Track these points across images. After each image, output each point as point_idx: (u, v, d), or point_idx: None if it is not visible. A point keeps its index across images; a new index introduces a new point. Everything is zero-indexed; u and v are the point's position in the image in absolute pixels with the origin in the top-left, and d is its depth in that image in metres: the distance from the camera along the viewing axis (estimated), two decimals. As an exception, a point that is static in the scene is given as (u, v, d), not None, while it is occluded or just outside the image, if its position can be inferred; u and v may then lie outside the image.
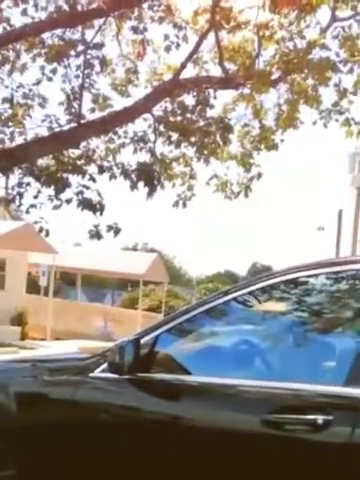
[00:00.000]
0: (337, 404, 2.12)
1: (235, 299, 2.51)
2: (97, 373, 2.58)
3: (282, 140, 8.12)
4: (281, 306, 2.54)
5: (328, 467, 2.07)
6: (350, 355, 2.20)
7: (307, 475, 2.10)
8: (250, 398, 2.28)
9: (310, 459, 2.09)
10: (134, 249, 33.20)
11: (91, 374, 2.59)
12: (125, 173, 7.68)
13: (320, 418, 2.07)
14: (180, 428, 2.37)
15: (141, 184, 7.63)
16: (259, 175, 8.27)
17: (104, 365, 2.56)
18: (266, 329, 2.58)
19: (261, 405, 2.22)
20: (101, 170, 7.67)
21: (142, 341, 2.49)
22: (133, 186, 7.67)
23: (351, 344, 2.25)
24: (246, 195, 8.34)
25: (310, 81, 7.43)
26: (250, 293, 2.50)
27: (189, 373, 2.48)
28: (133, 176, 7.66)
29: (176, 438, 2.35)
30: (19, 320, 17.06)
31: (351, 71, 7.24)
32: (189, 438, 2.32)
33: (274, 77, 7.51)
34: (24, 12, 6.63)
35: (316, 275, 2.44)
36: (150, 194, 7.70)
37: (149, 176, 7.61)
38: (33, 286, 19.52)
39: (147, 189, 7.64)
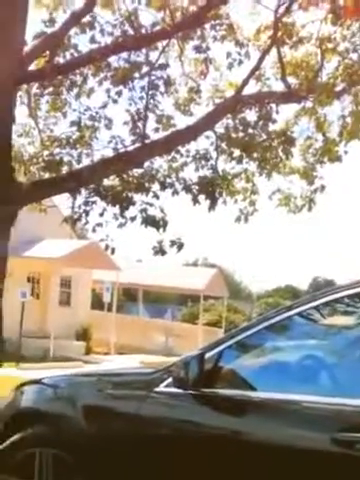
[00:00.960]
0: None
1: (299, 314, 2.49)
2: (162, 388, 2.59)
3: (346, 152, 8.01)
4: (346, 320, 2.51)
5: None
6: None
7: None
8: (318, 415, 2.22)
9: None
10: (194, 264, 33.27)
11: (156, 389, 2.60)
12: (187, 188, 7.76)
13: None
14: (245, 444, 2.34)
15: (202, 197, 7.70)
16: (322, 187, 8.18)
17: (169, 380, 2.57)
18: (331, 344, 2.53)
19: (330, 423, 2.15)
20: (163, 186, 7.79)
21: (206, 356, 2.49)
22: (195, 199, 7.75)
23: None
24: (310, 208, 8.25)
25: (375, 91, 7.31)
26: (314, 308, 2.48)
27: (254, 389, 2.46)
28: (194, 190, 7.74)
29: (241, 454, 2.33)
30: (84, 335, 17.40)
31: None
32: (254, 455, 2.30)
33: (338, 89, 7.43)
34: (92, 39, 6.86)
35: None
36: (212, 207, 7.75)
37: (210, 189, 7.66)
38: (97, 302, 19.89)
39: (209, 202, 7.70)
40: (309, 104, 7.83)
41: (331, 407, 2.19)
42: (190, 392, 2.47)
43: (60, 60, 6.98)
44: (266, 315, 2.66)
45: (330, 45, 7.23)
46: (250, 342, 2.55)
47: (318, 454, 2.15)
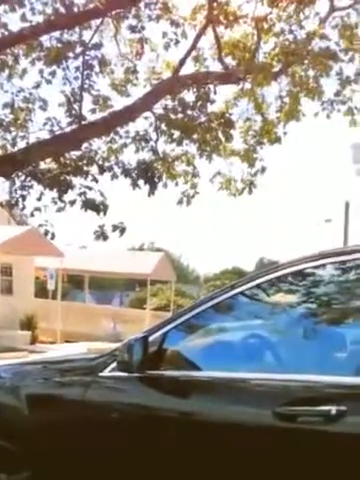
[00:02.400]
0: (350, 394, 2.10)
1: (242, 293, 2.51)
2: (107, 372, 2.58)
3: (285, 133, 8.07)
4: (288, 298, 2.52)
5: (342, 458, 2.05)
6: None
7: (321, 467, 2.09)
8: (261, 391, 2.26)
9: (324, 450, 2.08)
10: (140, 249, 33.20)
11: (101, 373, 2.59)
12: (126, 172, 7.66)
13: (333, 409, 2.05)
14: (191, 424, 2.36)
15: (142, 182, 7.62)
16: (263, 169, 8.23)
17: (113, 364, 2.56)
18: (274, 322, 2.56)
19: (273, 398, 2.21)
20: (102, 170, 7.67)
21: (150, 339, 2.49)
22: (134, 184, 7.66)
23: None
24: (250, 192, 8.30)
25: (311, 72, 7.37)
26: (257, 286, 2.49)
27: (199, 369, 2.48)
28: (133, 174, 7.65)
29: (189, 434, 2.35)
30: (28, 324, 17.08)
31: (352, 60, 7.19)
32: (200, 433, 2.31)
33: (275, 70, 7.46)
34: (23, 17, 6.60)
35: (323, 265, 2.42)
36: (151, 192, 7.69)
37: (149, 173, 7.59)
38: (41, 290, 19.55)
39: (148, 187, 7.64)
40: (247, 85, 7.83)
41: (274, 383, 2.23)
42: (135, 375, 2.45)
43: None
44: (210, 295, 2.67)
45: (266, 25, 7.23)
46: (194, 323, 2.55)
47: (263, 429, 2.18)
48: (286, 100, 7.72)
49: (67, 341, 17.12)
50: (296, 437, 2.11)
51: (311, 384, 2.16)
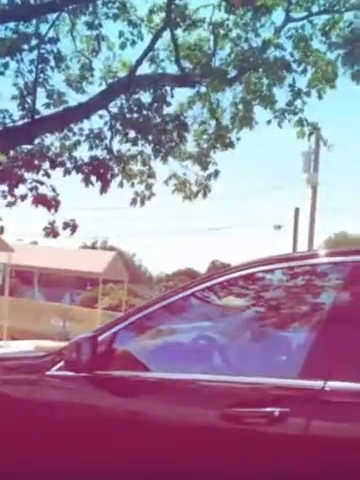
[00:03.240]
0: (293, 396, 2.16)
1: (193, 294, 2.53)
2: (54, 371, 2.55)
3: (238, 139, 8.21)
4: (238, 301, 2.56)
5: (286, 458, 2.10)
6: (305, 348, 2.25)
7: (266, 467, 2.13)
8: (209, 393, 2.29)
9: (269, 451, 2.12)
10: (93, 247, 32.90)
11: (48, 372, 2.56)
12: (78, 167, 7.61)
13: (276, 411, 2.10)
14: (139, 424, 2.35)
15: (94, 179, 7.58)
16: (216, 173, 8.33)
17: (61, 363, 2.53)
18: (224, 324, 2.59)
19: (220, 399, 2.24)
20: (54, 165, 7.59)
21: (99, 338, 2.47)
22: (86, 180, 7.62)
23: (305, 337, 2.30)
24: (205, 195, 8.38)
25: (265, 81, 7.52)
26: (208, 288, 2.52)
27: (148, 369, 2.48)
28: (86, 170, 7.60)
29: (137, 435, 2.34)
30: (-26, 320, 16.66)
31: (304, 71, 7.37)
32: (149, 434, 2.31)
33: (230, 76, 7.57)
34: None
35: (272, 270, 2.48)
36: (104, 189, 7.66)
37: (101, 170, 7.56)
38: (-13, 285, 19.11)
39: (100, 184, 7.61)
40: (203, 89, 7.92)
41: (222, 385, 2.26)
42: (82, 375, 2.43)
43: None
44: (161, 296, 2.69)
45: (223, 31, 7.33)
46: (144, 323, 2.55)
47: (211, 430, 2.21)
48: (240, 107, 7.85)
49: (14, 338, 16.80)
50: (242, 438, 2.16)
51: (257, 386, 2.21)
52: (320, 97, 7.44)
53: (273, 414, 2.10)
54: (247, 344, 2.48)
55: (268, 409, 2.12)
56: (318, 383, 2.10)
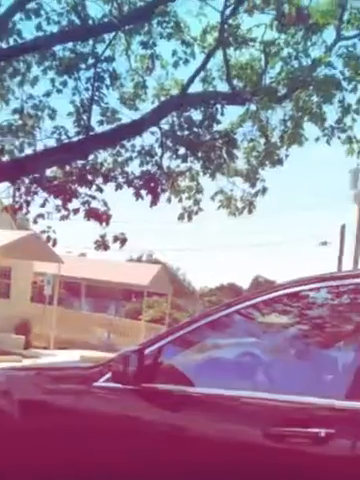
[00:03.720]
0: (339, 417, 2.12)
1: (238, 311, 2.55)
2: (101, 382, 2.59)
3: (287, 156, 8.23)
4: (283, 319, 2.58)
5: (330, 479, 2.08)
6: (351, 368, 2.23)
7: None
8: (253, 410, 2.28)
9: (312, 472, 2.10)
10: (139, 260, 33.24)
11: (95, 383, 2.60)
12: (129, 182, 7.79)
13: (322, 431, 2.08)
14: (183, 439, 2.37)
15: (145, 193, 7.74)
16: (264, 190, 8.37)
17: (108, 375, 2.57)
18: (268, 342, 2.60)
19: (264, 418, 2.23)
20: (106, 179, 7.79)
21: (146, 351, 2.51)
22: (137, 194, 7.79)
23: (352, 357, 2.28)
24: (250, 211, 8.43)
25: (315, 98, 7.55)
26: (253, 306, 2.53)
27: (192, 384, 2.49)
28: (137, 184, 7.77)
29: (179, 449, 2.36)
30: (23, 328, 17.11)
31: (355, 89, 7.36)
32: (191, 449, 2.33)
33: (280, 94, 7.63)
34: (38, 27, 6.77)
35: (318, 289, 2.47)
36: (154, 202, 7.81)
37: (152, 184, 7.72)
38: (38, 295, 19.59)
39: (151, 197, 7.76)
40: (253, 107, 8.00)
41: (266, 403, 2.26)
42: (129, 387, 2.47)
43: (3, 46, 6.85)
44: (206, 312, 2.72)
45: (274, 50, 7.42)
46: (190, 338, 2.58)
47: (253, 448, 2.21)
48: (289, 124, 7.89)
49: (60, 348, 17.14)
50: (285, 458, 2.14)
51: (302, 406, 2.19)
52: (370, 115, 7.41)
53: (318, 435, 2.08)
54: (292, 362, 2.49)
55: (313, 430, 2.10)
56: None
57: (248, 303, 2.54)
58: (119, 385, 2.50)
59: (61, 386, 2.84)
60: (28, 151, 7.68)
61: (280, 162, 8.27)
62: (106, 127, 7.65)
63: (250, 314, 2.56)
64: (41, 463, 2.64)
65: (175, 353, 2.60)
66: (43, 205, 7.60)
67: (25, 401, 2.80)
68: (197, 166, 8.18)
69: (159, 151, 8.05)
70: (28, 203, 7.71)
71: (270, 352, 2.59)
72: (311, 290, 2.48)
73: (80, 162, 7.77)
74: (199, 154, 8.10)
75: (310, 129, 7.73)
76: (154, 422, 2.45)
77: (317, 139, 7.63)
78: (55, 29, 7.00)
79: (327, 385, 2.36)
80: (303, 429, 2.13)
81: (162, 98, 7.96)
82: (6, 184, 7.74)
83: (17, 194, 7.80)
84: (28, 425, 2.73)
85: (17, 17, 6.70)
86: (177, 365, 2.57)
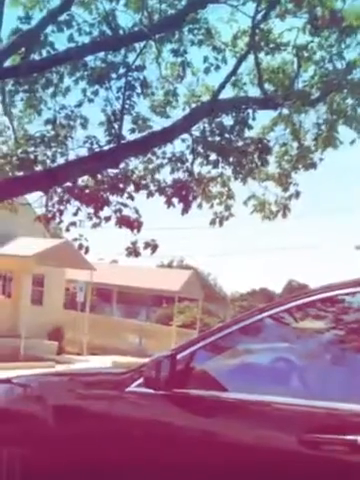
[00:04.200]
0: None
1: (271, 316, 2.51)
2: (133, 388, 2.59)
3: (321, 159, 8.12)
4: (318, 324, 2.53)
5: None
6: None
7: None
8: (287, 416, 2.25)
9: None
10: (169, 266, 33.31)
11: (127, 389, 2.60)
12: (161, 190, 7.78)
13: (358, 439, 2.02)
14: (216, 445, 2.35)
15: (176, 200, 7.73)
16: (297, 194, 8.26)
17: (140, 380, 2.56)
18: (303, 347, 2.55)
19: (298, 424, 2.20)
20: (138, 188, 7.80)
21: (178, 357, 2.50)
22: (168, 202, 7.77)
23: None
24: (284, 215, 8.33)
25: (349, 101, 7.42)
26: (286, 311, 2.50)
27: (225, 389, 2.46)
28: (168, 192, 7.76)
29: (211, 455, 2.34)
30: (56, 335, 17.30)
31: (390, 92, 7.20)
32: (224, 455, 2.30)
33: (313, 97, 7.52)
34: (70, 38, 6.83)
35: (353, 293, 2.42)
36: (185, 210, 7.78)
37: (183, 192, 7.69)
38: (70, 302, 19.79)
39: (182, 205, 7.73)
40: (285, 111, 7.91)
41: (301, 409, 2.21)
42: (161, 392, 2.47)
43: (36, 58, 6.93)
44: (238, 317, 2.69)
45: (306, 53, 7.31)
46: (222, 344, 2.56)
47: (286, 455, 2.17)
48: (323, 127, 7.76)
49: (93, 353, 17.26)
50: (320, 465, 2.10)
51: (338, 412, 2.14)
52: None
53: (355, 443, 2.02)
54: (327, 368, 2.42)
55: (349, 437, 2.05)
56: None
57: (281, 308, 2.51)
58: (151, 390, 2.49)
59: (94, 392, 2.85)
60: (60, 161, 7.76)
61: (314, 166, 8.17)
62: (137, 135, 7.68)
63: (283, 319, 2.52)
64: (74, 468, 2.65)
65: (207, 358, 2.58)
66: (75, 214, 7.66)
67: (58, 407, 2.82)
68: (228, 171, 8.13)
69: (190, 157, 8.03)
70: (61, 212, 7.77)
71: (304, 357, 2.53)
72: (347, 295, 2.43)
73: (111, 170, 7.80)
74: (230, 160, 8.04)
75: (345, 132, 7.59)
76: (186, 428, 2.44)
77: (352, 142, 7.49)
78: (87, 40, 7.06)
79: None
80: (339, 436, 2.08)
81: (193, 105, 7.93)
82: (39, 194, 7.83)
83: (50, 203, 7.87)
84: (61, 431, 2.74)
85: (49, 29, 6.76)
86: (209, 370, 2.55)
